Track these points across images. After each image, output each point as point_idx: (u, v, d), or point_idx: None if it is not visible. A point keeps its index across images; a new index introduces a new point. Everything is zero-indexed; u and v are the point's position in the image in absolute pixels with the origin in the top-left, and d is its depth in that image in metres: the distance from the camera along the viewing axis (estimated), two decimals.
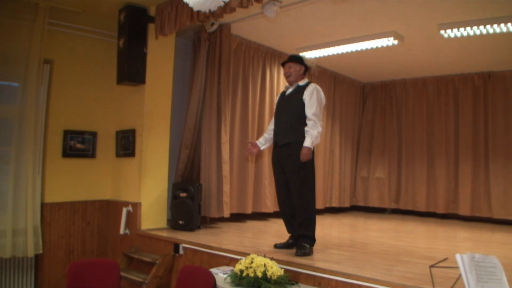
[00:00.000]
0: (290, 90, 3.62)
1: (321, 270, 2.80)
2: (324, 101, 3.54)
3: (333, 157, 6.91)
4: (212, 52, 4.89)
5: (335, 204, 6.96)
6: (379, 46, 5.14)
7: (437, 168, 6.73)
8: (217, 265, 3.38)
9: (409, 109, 7.20)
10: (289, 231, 3.64)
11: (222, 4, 3.34)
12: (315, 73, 6.19)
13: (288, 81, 3.63)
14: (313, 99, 3.41)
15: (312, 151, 3.37)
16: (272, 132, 3.69)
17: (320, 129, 3.38)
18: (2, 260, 3.87)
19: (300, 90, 3.51)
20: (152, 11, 4.44)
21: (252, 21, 4.72)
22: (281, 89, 5.85)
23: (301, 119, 3.41)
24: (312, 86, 3.50)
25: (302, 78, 3.61)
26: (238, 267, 2.77)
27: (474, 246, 4.32)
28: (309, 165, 3.42)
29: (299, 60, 3.62)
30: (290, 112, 3.50)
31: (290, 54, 3.77)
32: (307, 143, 3.31)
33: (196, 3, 3.27)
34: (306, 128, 3.37)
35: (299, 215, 3.39)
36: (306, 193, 3.40)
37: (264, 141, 3.75)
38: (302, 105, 3.43)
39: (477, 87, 6.47)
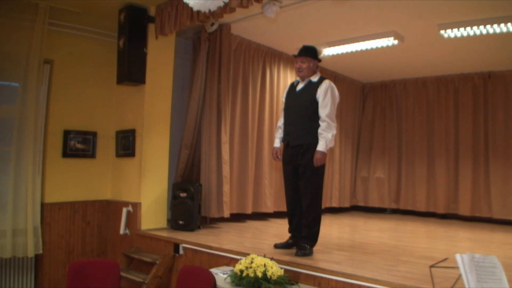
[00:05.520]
0: (301, 85, 3.46)
1: (321, 270, 2.80)
2: (338, 99, 3.37)
3: (333, 157, 6.91)
4: (212, 52, 4.89)
5: (335, 204, 6.96)
6: (379, 46, 5.14)
7: (437, 168, 6.73)
8: (217, 265, 3.38)
9: (409, 109, 7.20)
10: (292, 231, 3.56)
11: (222, 4, 3.33)
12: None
13: (300, 76, 3.47)
14: (327, 98, 3.26)
15: (326, 155, 3.25)
16: (282, 130, 3.58)
17: (334, 131, 3.23)
18: (2, 260, 3.87)
19: (313, 86, 3.35)
20: (152, 11, 4.43)
21: (252, 21, 4.72)
22: (281, 89, 5.88)
23: (314, 118, 3.27)
24: (326, 83, 3.33)
25: (314, 72, 3.43)
26: (238, 267, 2.77)
27: (474, 246, 4.32)
28: (322, 169, 3.34)
29: (313, 54, 3.42)
30: (302, 111, 3.35)
31: (304, 46, 3.47)
32: (321, 147, 3.19)
33: (196, 3, 3.27)
34: (319, 131, 3.23)
35: (306, 217, 3.34)
36: (316, 196, 3.34)
37: (280, 141, 3.60)
38: (315, 103, 3.28)
39: (477, 87, 6.47)
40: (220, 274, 2.95)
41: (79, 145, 4.54)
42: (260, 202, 5.52)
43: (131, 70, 4.31)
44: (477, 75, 6.45)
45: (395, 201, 7.22)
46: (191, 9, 3.58)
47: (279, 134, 3.61)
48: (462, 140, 6.53)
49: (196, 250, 3.69)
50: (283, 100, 3.65)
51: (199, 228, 4.50)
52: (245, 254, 3.02)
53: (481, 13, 4.21)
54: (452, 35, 4.62)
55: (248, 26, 4.95)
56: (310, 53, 3.43)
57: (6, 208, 3.84)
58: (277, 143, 3.60)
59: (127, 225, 4.43)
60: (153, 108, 4.49)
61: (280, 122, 3.61)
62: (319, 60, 3.49)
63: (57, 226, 4.32)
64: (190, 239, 3.84)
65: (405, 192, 7.08)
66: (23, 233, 3.86)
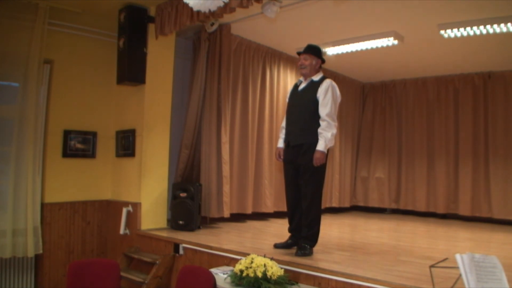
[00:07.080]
0: (303, 85, 3.45)
1: (321, 270, 2.80)
2: (340, 98, 3.36)
3: (333, 157, 6.91)
4: (212, 52, 4.89)
5: (335, 204, 6.96)
6: (379, 46, 5.14)
7: (437, 168, 6.73)
8: (217, 265, 3.38)
9: (409, 109, 7.20)
10: (292, 230, 3.55)
11: (222, 4, 3.33)
12: None
13: (302, 74, 3.46)
14: (327, 97, 3.24)
15: (325, 155, 3.23)
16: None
17: (334, 130, 3.22)
18: (2, 260, 3.87)
19: (314, 86, 3.35)
20: (152, 11, 4.44)
21: (252, 21, 4.72)
22: (281, 89, 5.88)
23: (315, 118, 3.26)
24: (327, 82, 3.31)
25: (317, 72, 3.42)
26: (238, 267, 2.77)
27: (474, 246, 4.32)
28: (323, 169, 3.32)
29: (317, 52, 3.42)
30: (303, 110, 3.34)
31: (308, 44, 3.50)
32: (321, 146, 3.17)
33: (196, 3, 3.27)
34: (319, 130, 3.21)
35: (306, 217, 3.33)
36: (316, 196, 3.32)
37: (284, 141, 3.58)
38: (315, 102, 3.27)
39: (477, 87, 6.47)
40: (220, 274, 2.95)
41: (79, 145, 4.54)
42: (260, 202, 5.52)
43: (131, 70, 4.32)
44: (477, 75, 6.45)
45: (395, 201, 7.22)
46: (191, 9, 3.58)
47: (282, 135, 3.60)
48: (462, 140, 6.53)
49: (196, 250, 3.69)
50: (287, 100, 3.65)
51: (199, 228, 4.50)
52: (245, 254, 3.02)
53: (481, 13, 4.21)
54: (452, 35, 4.62)
55: (248, 26, 4.95)
56: (313, 51, 3.43)
57: (6, 208, 3.84)
58: (280, 143, 3.60)
59: (127, 225, 4.43)
60: (153, 108, 4.49)
61: (284, 122, 3.62)
62: (323, 60, 3.48)
63: (57, 226, 4.32)
64: (190, 239, 3.84)
65: (405, 192, 7.08)
66: (23, 233, 3.86)
